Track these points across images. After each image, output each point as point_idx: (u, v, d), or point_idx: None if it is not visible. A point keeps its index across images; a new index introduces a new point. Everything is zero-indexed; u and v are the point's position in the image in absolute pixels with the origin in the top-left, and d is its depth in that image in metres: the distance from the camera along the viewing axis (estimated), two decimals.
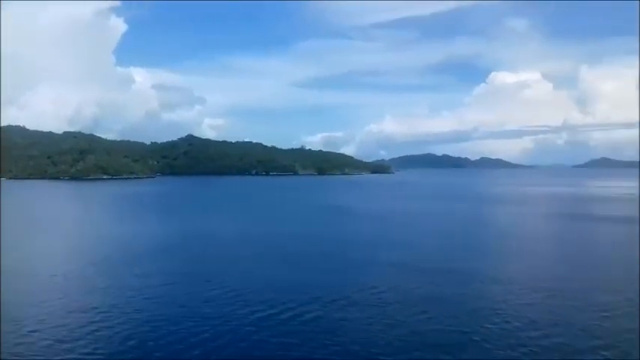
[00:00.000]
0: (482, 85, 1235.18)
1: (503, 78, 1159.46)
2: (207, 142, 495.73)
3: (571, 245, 75.36)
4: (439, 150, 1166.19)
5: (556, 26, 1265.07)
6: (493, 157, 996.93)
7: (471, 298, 41.11)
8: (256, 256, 58.59)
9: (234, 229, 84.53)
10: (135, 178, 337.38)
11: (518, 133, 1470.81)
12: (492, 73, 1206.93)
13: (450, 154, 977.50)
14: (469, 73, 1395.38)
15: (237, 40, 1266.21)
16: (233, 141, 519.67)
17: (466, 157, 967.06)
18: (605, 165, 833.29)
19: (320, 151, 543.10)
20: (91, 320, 33.23)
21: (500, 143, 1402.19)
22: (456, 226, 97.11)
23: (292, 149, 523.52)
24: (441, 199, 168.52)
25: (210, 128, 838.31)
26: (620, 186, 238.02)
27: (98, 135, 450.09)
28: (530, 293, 42.97)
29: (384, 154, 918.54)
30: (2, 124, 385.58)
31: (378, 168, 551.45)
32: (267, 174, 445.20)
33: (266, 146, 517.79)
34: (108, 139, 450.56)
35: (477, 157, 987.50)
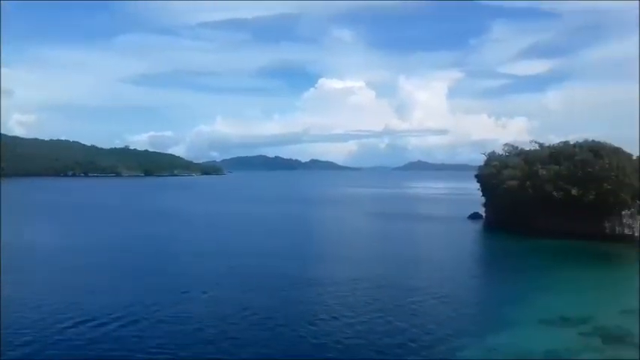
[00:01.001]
0: (312, 90, 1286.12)
1: (331, 84, 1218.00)
2: (15, 140, 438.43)
3: (391, 242, 77.58)
4: (271, 152, 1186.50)
5: (377, 38, 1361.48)
6: (323, 159, 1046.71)
7: (295, 299, 39.92)
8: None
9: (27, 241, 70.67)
10: None
11: (345, 137, 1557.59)
12: (321, 79, 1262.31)
13: (282, 156, 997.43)
14: (299, 78, 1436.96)
15: (52, 32, 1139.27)
16: (46, 139, 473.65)
17: (297, 159, 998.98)
18: (420, 167, 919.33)
19: (146, 151, 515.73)
20: None
21: (329, 146, 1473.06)
22: (284, 226, 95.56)
23: (115, 149, 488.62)
24: (271, 201, 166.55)
25: (19, 124, 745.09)
26: (432, 187, 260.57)
27: None
28: (353, 289, 41.93)
29: (216, 156, 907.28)
30: None
31: (210, 169, 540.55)
32: (87, 175, 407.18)
33: (85, 145, 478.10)
34: None
35: (308, 159, 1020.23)
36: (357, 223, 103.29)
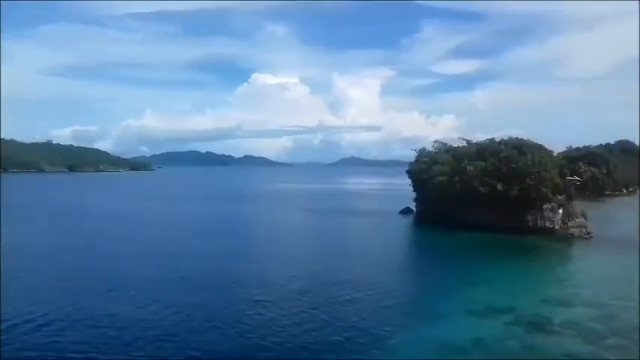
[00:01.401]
0: (245, 85, 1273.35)
1: (264, 79, 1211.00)
2: None
3: (324, 237, 77.80)
4: (203, 147, 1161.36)
5: (311, 35, 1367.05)
6: (256, 154, 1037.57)
7: (226, 298, 38.87)
8: None
9: None
10: None
11: (279, 133, 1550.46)
12: (254, 74, 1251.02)
13: (215, 151, 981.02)
14: (231, 73, 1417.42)
15: None
16: None
17: (230, 155, 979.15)
18: (353, 163, 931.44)
19: (70, 146, 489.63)
20: None
21: (262, 142, 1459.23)
22: (215, 224, 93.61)
23: (36, 144, 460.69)
24: (203, 198, 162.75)
25: None
26: (365, 182, 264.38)
27: None
28: (284, 286, 41.20)
29: (145, 151, 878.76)
30: None
31: (138, 165, 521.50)
32: (5, 171, 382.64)
33: (4, 139, 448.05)
34: None
35: (241, 155, 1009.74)
36: (290, 220, 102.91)
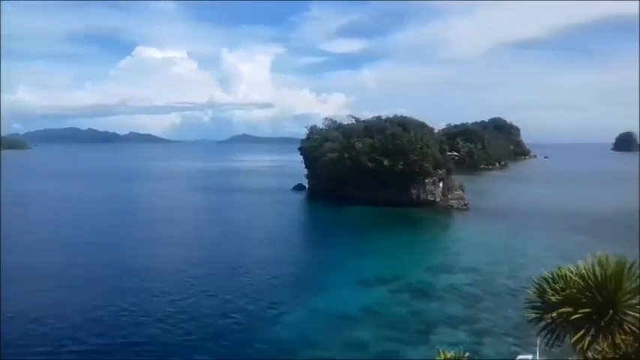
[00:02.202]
0: (128, 58, 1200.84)
1: (150, 53, 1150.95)
2: None
3: (217, 215, 76.21)
4: (84, 124, 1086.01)
5: (198, 9, 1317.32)
6: (142, 132, 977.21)
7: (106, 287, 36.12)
8: None
9: None
10: None
11: (166, 109, 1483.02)
12: (138, 47, 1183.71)
13: (97, 128, 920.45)
14: (113, 46, 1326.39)
15: None
16: None
17: (114, 132, 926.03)
18: (245, 140, 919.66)
19: None
20: None
21: (149, 118, 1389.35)
22: (94, 208, 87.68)
23: None
24: (81, 177, 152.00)
25: None
26: (258, 160, 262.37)
27: None
28: (178, 267, 40.25)
29: (19, 128, 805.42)
30: None
31: (12, 143, 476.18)
32: None
33: None
34: None
35: (126, 132, 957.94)
36: (180, 199, 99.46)
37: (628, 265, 6.99)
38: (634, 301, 6.49)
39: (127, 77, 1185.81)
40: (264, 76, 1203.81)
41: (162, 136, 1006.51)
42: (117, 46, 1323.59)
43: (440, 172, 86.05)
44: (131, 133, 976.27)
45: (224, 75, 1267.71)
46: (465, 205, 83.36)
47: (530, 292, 7.32)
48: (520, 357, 21.48)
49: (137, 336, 28.90)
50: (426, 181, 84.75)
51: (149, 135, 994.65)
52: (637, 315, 6.33)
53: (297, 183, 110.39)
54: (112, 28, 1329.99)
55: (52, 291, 36.94)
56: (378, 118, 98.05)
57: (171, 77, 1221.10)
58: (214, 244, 55.43)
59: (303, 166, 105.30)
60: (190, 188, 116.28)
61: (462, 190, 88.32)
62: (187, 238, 59.00)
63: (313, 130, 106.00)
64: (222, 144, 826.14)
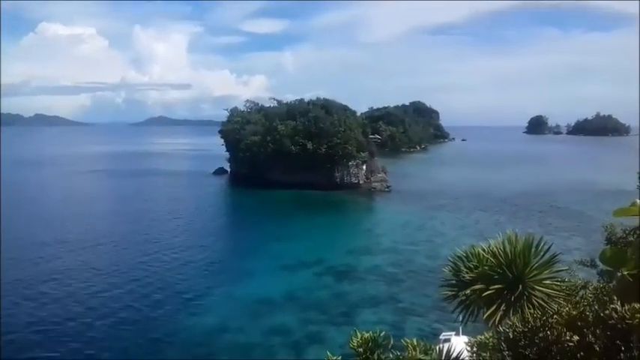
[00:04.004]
0: (31, 35, 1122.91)
1: (54, 30, 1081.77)
2: None
3: (129, 201, 73.12)
4: None
5: None
6: (49, 113, 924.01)
7: None
8: None
9: None
10: None
11: (75, 90, 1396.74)
12: (42, 24, 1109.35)
13: None
14: (14, 22, 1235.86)
15: None
16: None
17: (18, 114, 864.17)
18: (162, 123, 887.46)
19: None
20: None
21: (56, 99, 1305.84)
22: None
23: None
24: None
25: None
26: (175, 143, 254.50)
27: None
28: (88, 253, 38.60)
29: None
30: None
31: None
32: None
33: None
34: None
35: (32, 114, 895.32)
36: (89, 185, 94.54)
37: (535, 243, 7.25)
38: (541, 277, 6.75)
39: (30, 56, 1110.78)
40: (180, 55, 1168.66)
41: (71, 118, 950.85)
42: (18, 23, 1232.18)
43: (363, 154, 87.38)
44: (37, 115, 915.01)
45: (137, 54, 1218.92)
46: (388, 187, 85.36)
47: (446, 270, 7.46)
48: (444, 334, 22.21)
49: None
50: (350, 164, 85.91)
51: (56, 117, 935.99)
52: (544, 290, 6.60)
53: (218, 167, 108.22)
54: (13, 4, 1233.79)
55: None
56: (301, 100, 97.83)
57: (79, 56, 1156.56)
58: (124, 231, 52.78)
59: (224, 149, 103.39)
60: (99, 173, 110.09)
61: (385, 173, 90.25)
62: (96, 226, 55.99)
63: (234, 112, 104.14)
64: (136, 126, 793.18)
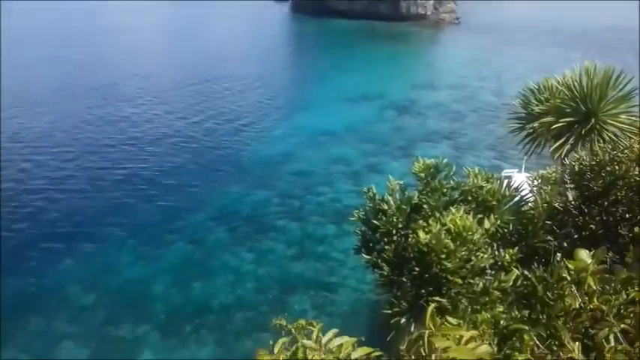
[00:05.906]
0: None
1: None
2: None
3: (195, 32, 72.78)
4: None
5: None
6: None
7: None
8: None
9: None
10: None
11: None
12: None
13: None
14: None
15: None
16: None
17: None
18: None
19: None
20: None
21: None
22: None
23: None
24: None
25: None
26: None
27: None
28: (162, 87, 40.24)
29: None
30: None
31: None
32: None
33: None
34: None
35: None
36: (141, 15, 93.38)
37: (615, 76, 6.88)
38: (616, 111, 6.50)
39: None
40: None
41: None
42: None
43: None
44: None
45: None
46: (457, 19, 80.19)
47: (516, 103, 7.29)
48: (506, 170, 22.21)
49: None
50: None
51: None
52: (617, 124, 6.40)
53: None
54: None
55: None
56: None
57: None
58: (194, 59, 53.56)
59: None
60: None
61: (455, 3, 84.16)
62: (165, 55, 57.07)
63: None
64: None
